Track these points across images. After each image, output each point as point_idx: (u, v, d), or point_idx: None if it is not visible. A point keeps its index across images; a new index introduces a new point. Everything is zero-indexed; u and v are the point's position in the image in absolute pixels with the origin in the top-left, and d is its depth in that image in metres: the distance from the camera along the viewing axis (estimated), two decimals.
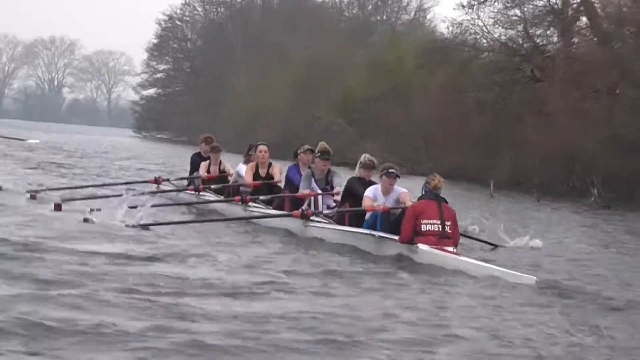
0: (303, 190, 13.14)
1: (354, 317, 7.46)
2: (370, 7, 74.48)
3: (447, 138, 36.47)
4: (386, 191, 11.73)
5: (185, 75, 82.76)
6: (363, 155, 12.55)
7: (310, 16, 73.05)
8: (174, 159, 36.49)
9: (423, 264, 10.40)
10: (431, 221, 10.58)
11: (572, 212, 21.98)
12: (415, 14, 72.16)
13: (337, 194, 12.85)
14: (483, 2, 35.65)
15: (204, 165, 16.43)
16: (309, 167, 13.65)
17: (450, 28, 38.84)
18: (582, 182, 26.75)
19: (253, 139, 18.59)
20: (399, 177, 11.88)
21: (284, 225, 12.96)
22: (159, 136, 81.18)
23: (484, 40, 36.70)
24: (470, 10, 36.07)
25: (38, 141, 38.85)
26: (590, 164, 27.38)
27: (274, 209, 13.96)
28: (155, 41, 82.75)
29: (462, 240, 11.72)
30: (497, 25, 35.88)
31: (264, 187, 14.46)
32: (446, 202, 11.00)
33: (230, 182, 15.61)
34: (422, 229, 10.59)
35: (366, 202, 11.61)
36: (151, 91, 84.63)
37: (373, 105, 46.53)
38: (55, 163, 26.78)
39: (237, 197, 14.05)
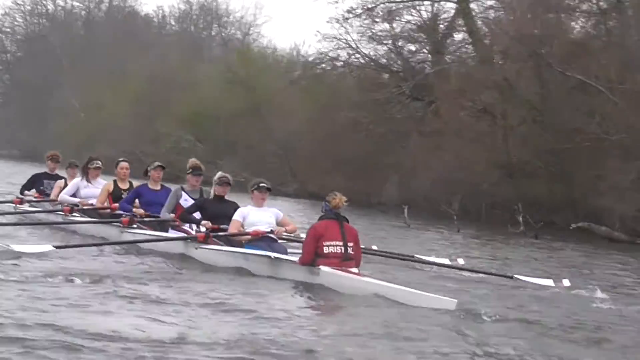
0: (165, 211, 12.46)
1: (255, 346, 6.93)
2: (201, 21, 71.92)
3: (316, 158, 34.38)
4: (258, 206, 11.33)
5: (4, 88, 78.57)
6: (218, 173, 12.02)
7: (135, 29, 70.54)
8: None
9: (326, 287, 9.84)
10: (333, 242, 10.04)
11: (505, 244, 19.81)
12: (249, 30, 69.92)
13: (205, 226, 11.68)
14: (353, 16, 33.33)
15: (59, 184, 15.21)
16: (157, 184, 13.26)
17: (322, 43, 36.70)
18: (503, 209, 24.93)
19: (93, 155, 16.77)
20: (270, 190, 11.41)
21: (169, 249, 11.93)
22: None
23: (356, 57, 34.44)
24: (339, 25, 33.88)
25: None
26: (493, 188, 25.92)
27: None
28: None
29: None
30: (366, 41, 33.82)
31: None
32: (347, 222, 10.36)
33: (58, 197, 14.61)
34: (325, 251, 10.03)
35: (232, 226, 11.16)
36: None
37: (226, 122, 43.56)
38: None
39: (125, 219, 12.68)
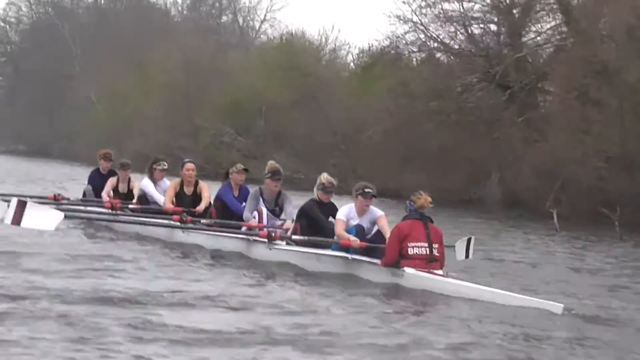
0: (247, 213, 11.92)
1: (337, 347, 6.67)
2: (215, 8, 67.73)
3: (384, 152, 30.20)
4: (361, 212, 10.59)
5: (9, 81, 74.23)
6: (321, 176, 11.30)
7: (149, 16, 66.20)
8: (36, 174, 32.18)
9: (412, 289, 9.37)
10: (418, 244, 9.52)
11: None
12: (265, 15, 65.67)
13: (287, 229, 11.44)
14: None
15: (110, 182, 14.70)
16: (239, 187, 12.81)
17: (396, 25, 31.56)
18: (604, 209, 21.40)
19: (118, 150, 17.54)
20: (375, 197, 10.65)
21: (241, 249, 11.57)
22: None
23: (432, 42, 30.51)
24: (407, 8, 29.96)
25: None
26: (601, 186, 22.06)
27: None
28: None
29: None
30: (440, 24, 29.90)
31: (188, 207, 13.10)
32: (432, 222, 9.82)
33: (135, 200, 14.26)
34: (409, 253, 9.53)
35: (339, 227, 10.45)
36: None
37: (271, 113, 39.34)
38: None
39: (176, 217, 12.23)
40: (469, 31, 30.26)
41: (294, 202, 12.07)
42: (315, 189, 11.16)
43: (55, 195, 14.83)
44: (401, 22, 30.72)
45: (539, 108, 27.19)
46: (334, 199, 11.05)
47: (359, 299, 8.77)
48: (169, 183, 13.80)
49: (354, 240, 10.11)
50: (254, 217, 11.79)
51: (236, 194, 12.66)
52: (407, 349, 6.76)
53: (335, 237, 10.48)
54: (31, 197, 14.37)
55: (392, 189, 24.60)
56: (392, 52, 31.75)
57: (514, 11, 30.13)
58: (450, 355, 6.65)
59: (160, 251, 11.52)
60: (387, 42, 32.10)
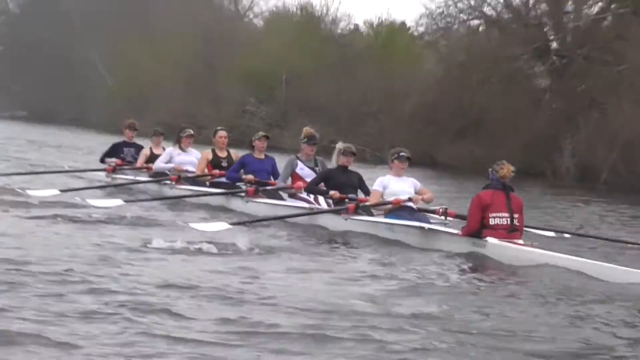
0: (281, 181, 11.92)
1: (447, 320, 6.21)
2: None
3: (430, 121, 28.37)
4: (398, 175, 10.48)
5: (10, 49, 69.89)
6: (339, 143, 11.36)
7: None
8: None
9: (493, 259, 8.80)
10: (500, 214, 9.05)
11: None
12: None
13: (333, 196, 10.93)
14: None
15: (145, 152, 14.60)
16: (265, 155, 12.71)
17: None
18: None
19: (138, 119, 16.69)
20: (410, 159, 10.49)
21: (312, 221, 11.00)
22: None
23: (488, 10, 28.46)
24: None
25: None
26: None
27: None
28: None
29: None
30: None
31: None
32: (513, 191, 9.31)
33: (155, 166, 13.95)
34: (491, 223, 9.05)
35: (376, 197, 10.38)
36: None
37: (296, 82, 37.32)
38: None
39: (251, 189, 12.02)
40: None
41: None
42: (335, 155, 11.13)
43: (112, 166, 14.84)
44: None
45: (597, 78, 25.06)
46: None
47: (442, 270, 8.36)
48: (195, 151, 13.81)
49: (398, 199, 10.07)
50: (286, 184, 11.84)
51: (262, 157, 12.63)
52: (502, 324, 6.25)
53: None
54: (93, 170, 15.28)
55: (441, 159, 22.93)
56: (445, 20, 29.82)
57: None
58: (548, 332, 6.05)
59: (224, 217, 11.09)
60: (439, 11, 30.10)
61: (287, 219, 11.00)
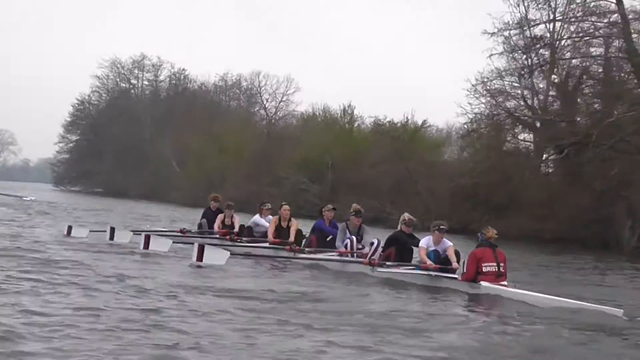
0: (339, 242, 11.99)
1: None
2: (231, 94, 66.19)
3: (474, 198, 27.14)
4: (437, 242, 10.54)
5: (95, 145, 72.25)
6: (404, 214, 11.42)
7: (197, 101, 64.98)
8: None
9: (486, 297, 9.17)
10: (489, 264, 9.51)
11: None
12: (282, 98, 62.32)
13: (366, 255, 11.24)
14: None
15: (219, 218, 14.37)
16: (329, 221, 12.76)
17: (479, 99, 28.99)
18: None
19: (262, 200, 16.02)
20: (448, 232, 10.61)
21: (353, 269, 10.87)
22: (72, 189, 71.91)
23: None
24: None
25: (34, 198, 31.22)
26: None
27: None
28: (69, 119, 74.93)
29: None
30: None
31: (284, 236, 13.01)
32: (497, 247, 9.61)
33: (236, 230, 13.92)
34: (483, 270, 9.47)
35: (422, 253, 10.45)
36: (66, 155, 76.24)
37: (341, 166, 37.01)
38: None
39: (288, 247, 12.50)
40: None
41: (371, 233, 12.12)
42: (400, 224, 11.15)
43: (182, 229, 14.60)
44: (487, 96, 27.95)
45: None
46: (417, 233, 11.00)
47: (447, 306, 8.43)
48: (271, 217, 13.51)
49: (431, 264, 10.20)
50: (345, 246, 11.82)
51: (327, 224, 12.64)
52: (489, 344, 6.23)
53: (414, 261, 10.66)
54: (163, 231, 14.69)
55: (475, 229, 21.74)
56: (496, 119, 28.27)
57: None
58: (525, 350, 6.00)
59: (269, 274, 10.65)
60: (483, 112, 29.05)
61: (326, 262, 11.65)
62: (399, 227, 11.27)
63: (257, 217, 13.86)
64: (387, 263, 10.75)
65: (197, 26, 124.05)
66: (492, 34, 27.33)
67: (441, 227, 10.68)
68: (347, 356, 5.39)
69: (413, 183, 31.35)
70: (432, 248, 10.50)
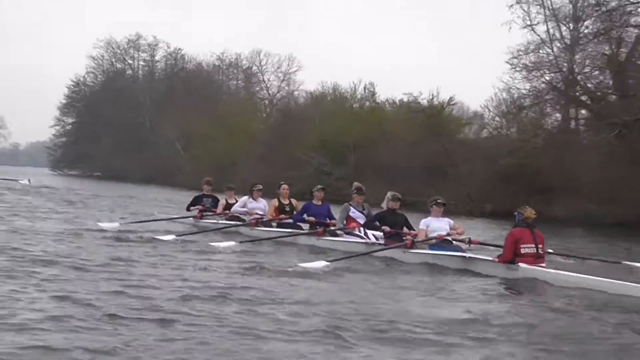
0: (339, 223, 11.71)
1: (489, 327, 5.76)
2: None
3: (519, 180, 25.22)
4: (436, 217, 10.27)
5: (92, 127, 69.61)
6: (388, 192, 11.23)
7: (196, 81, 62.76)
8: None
9: (525, 280, 8.57)
10: (528, 245, 8.91)
11: None
12: (284, 77, 61.21)
13: (384, 230, 10.92)
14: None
15: (222, 202, 14.16)
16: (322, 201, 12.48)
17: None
18: None
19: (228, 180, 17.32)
20: (445, 205, 10.36)
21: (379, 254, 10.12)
22: (70, 173, 70.12)
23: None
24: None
25: (27, 182, 29.44)
26: None
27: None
28: (64, 101, 73.14)
29: None
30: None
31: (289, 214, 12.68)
32: (535, 228, 8.95)
33: (232, 209, 13.63)
34: (522, 252, 8.86)
35: (421, 234, 10.21)
36: (62, 139, 74.35)
37: (365, 146, 34.80)
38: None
39: (320, 230, 11.73)
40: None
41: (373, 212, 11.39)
42: (385, 201, 10.89)
43: (201, 214, 14.12)
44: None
45: None
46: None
47: (484, 289, 7.84)
48: (263, 200, 13.33)
49: (441, 235, 10.00)
50: (343, 225, 11.31)
51: (319, 204, 12.28)
52: (530, 330, 5.82)
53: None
54: (184, 217, 14.16)
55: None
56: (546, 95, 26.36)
57: None
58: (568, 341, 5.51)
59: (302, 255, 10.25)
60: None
61: (365, 255, 10.22)
62: (384, 206, 11.01)
63: (245, 198, 13.57)
64: (417, 243, 10.25)
65: (194, 5, 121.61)
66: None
67: (438, 201, 10.48)
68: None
69: (448, 164, 29.26)
70: (434, 225, 10.28)
